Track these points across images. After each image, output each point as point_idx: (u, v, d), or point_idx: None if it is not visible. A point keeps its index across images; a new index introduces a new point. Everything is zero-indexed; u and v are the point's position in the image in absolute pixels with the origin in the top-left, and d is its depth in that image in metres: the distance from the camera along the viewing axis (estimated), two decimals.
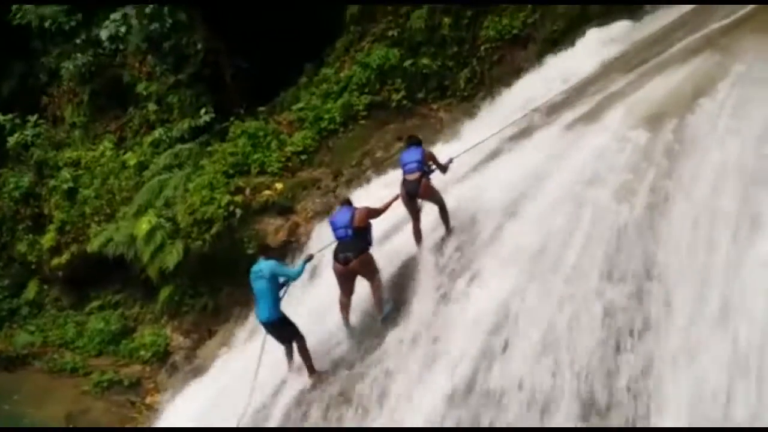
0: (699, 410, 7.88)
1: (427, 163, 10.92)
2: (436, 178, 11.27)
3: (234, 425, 10.74)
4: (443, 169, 11.23)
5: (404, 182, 10.81)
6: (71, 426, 14.99)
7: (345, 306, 10.63)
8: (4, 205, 20.04)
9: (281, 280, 10.44)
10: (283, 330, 10.42)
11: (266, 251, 10.67)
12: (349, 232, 10.21)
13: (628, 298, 8.89)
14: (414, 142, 11.33)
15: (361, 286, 10.64)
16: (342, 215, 10.40)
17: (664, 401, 8.16)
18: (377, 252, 10.81)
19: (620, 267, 9.16)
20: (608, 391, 8.43)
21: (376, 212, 10.69)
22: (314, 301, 11.73)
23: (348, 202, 10.70)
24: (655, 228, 9.35)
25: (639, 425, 8.19)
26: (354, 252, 10.16)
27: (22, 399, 15.95)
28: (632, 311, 8.80)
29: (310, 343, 10.72)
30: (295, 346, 10.62)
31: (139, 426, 14.67)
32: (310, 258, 10.94)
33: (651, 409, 8.20)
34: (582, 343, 8.79)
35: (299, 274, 10.55)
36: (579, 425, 8.40)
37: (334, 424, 9.96)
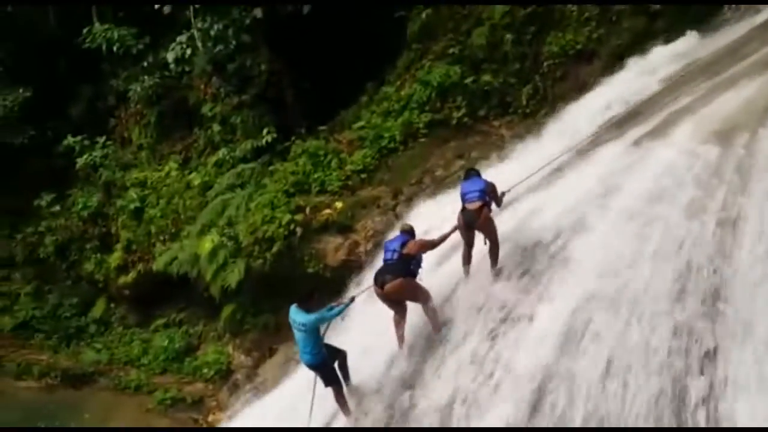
0: None
1: (489, 194, 10.68)
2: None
3: None
4: (499, 202, 11.00)
5: (463, 211, 10.56)
6: None
7: (398, 323, 10.48)
8: (72, 224, 20.51)
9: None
10: (323, 372, 10.38)
11: (302, 299, 10.22)
12: (395, 256, 10.10)
13: (698, 319, 8.61)
14: (474, 173, 11.13)
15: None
16: (395, 240, 10.30)
17: (735, 426, 7.87)
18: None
19: (690, 287, 8.87)
20: (677, 416, 8.15)
21: (430, 245, 10.45)
22: (371, 322, 11.58)
23: (408, 231, 10.48)
24: (726, 246, 9.05)
25: None
26: (391, 275, 10.00)
27: (88, 416, 16.16)
28: (703, 333, 8.51)
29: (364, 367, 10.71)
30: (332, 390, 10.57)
31: None
32: (352, 300, 10.78)
33: None
34: (651, 365, 8.51)
35: (339, 313, 10.39)
36: None
37: None
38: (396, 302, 10.29)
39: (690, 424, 8.07)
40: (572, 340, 9.13)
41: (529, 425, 8.75)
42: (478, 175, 11.06)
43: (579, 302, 9.35)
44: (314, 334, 10.07)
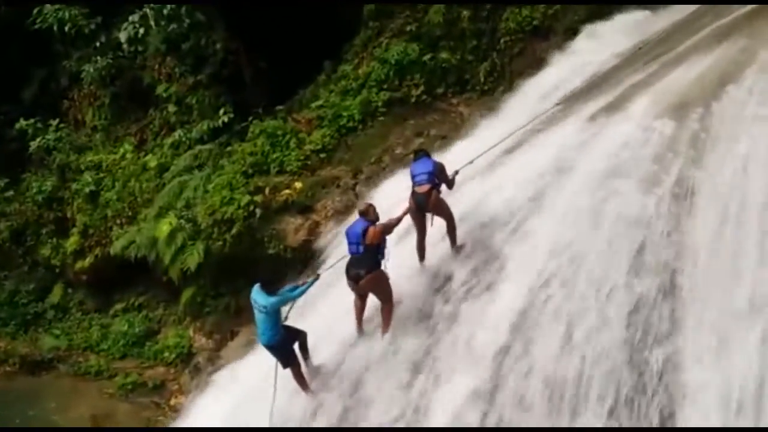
0: (728, 405, 7.74)
1: (438, 176, 10.62)
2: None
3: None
4: (450, 183, 10.90)
5: (413, 194, 10.53)
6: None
7: (359, 309, 10.52)
8: (27, 209, 20.10)
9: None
10: (282, 353, 10.33)
11: (266, 282, 10.20)
12: (360, 249, 10.04)
13: (655, 292, 8.72)
14: (423, 154, 11.08)
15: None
16: (356, 228, 10.17)
17: (693, 396, 8.00)
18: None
19: (647, 260, 8.98)
20: (636, 387, 8.27)
21: (389, 227, 10.35)
22: (330, 308, 11.56)
23: (365, 213, 10.28)
24: (681, 219, 9.16)
25: (667, 421, 8.05)
26: (365, 269, 10.00)
27: (49, 403, 15.95)
28: (660, 305, 8.62)
29: (318, 357, 10.74)
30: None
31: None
32: (317, 278, 10.74)
33: (679, 404, 8.06)
34: (608, 339, 8.62)
35: (302, 293, 10.36)
36: (607, 422, 8.26)
37: None
38: (365, 295, 10.35)
39: (648, 396, 8.21)
40: (531, 315, 9.23)
41: (492, 399, 8.85)
42: (428, 155, 11.01)
43: (537, 278, 9.45)
44: (275, 315, 10.04)
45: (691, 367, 8.19)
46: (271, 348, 10.27)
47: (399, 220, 10.53)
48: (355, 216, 10.86)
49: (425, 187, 10.40)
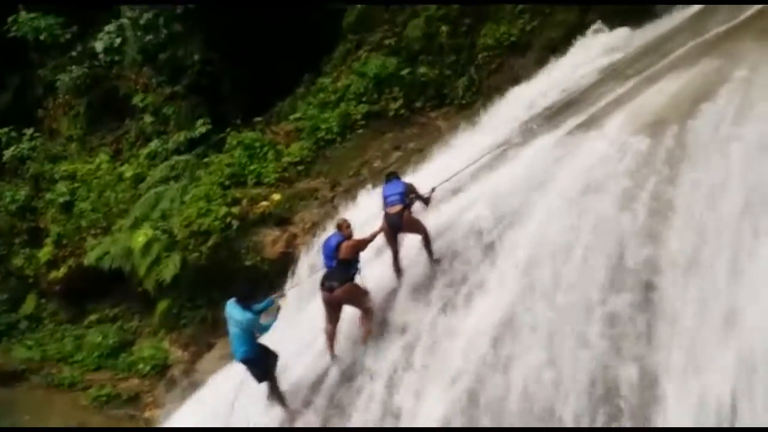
0: (704, 421, 7.79)
1: (409, 196, 10.75)
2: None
3: None
4: (426, 201, 11.06)
5: (386, 216, 10.64)
6: None
7: (330, 335, 10.53)
8: (0, 218, 19.90)
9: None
10: (257, 369, 10.27)
11: (243, 296, 10.09)
12: (333, 263, 10.16)
13: (630, 307, 8.78)
14: (394, 176, 11.26)
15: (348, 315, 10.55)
16: (330, 242, 10.28)
17: (668, 413, 8.05)
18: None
19: (622, 276, 9.05)
20: (611, 403, 8.31)
21: (362, 244, 10.42)
22: (303, 328, 11.55)
23: (340, 227, 10.40)
24: (657, 236, 9.25)
25: None
26: (339, 281, 10.10)
27: (22, 415, 15.73)
28: (635, 321, 8.68)
29: (295, 372, 10.69)
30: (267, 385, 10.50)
31: None
32: (281, 295, 10.75)
33: (654, 421, 8.10)
34: (584, 354, 8.67)
35: (270, 326, 10.22)
36: None
37: None
38: (338, 307, 10.34)
39: (624, 410, 8.26)
40: (508, 330, 9.27)
41: (468, 417, 8.86)
42: (398, 177, 11.20)
43: (514, 293, 9.50)
44: (249, 331, 9.97)
45: (666, 383, 8.21)
46: (247, 362, 10.19)
47: (373, 236, 10.59)
48: (332, 228, 10.91)
49: (397, 208, 10.56)
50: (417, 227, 10.77)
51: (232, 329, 10.06)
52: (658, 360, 8.33)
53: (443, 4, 16.15)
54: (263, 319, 10.23)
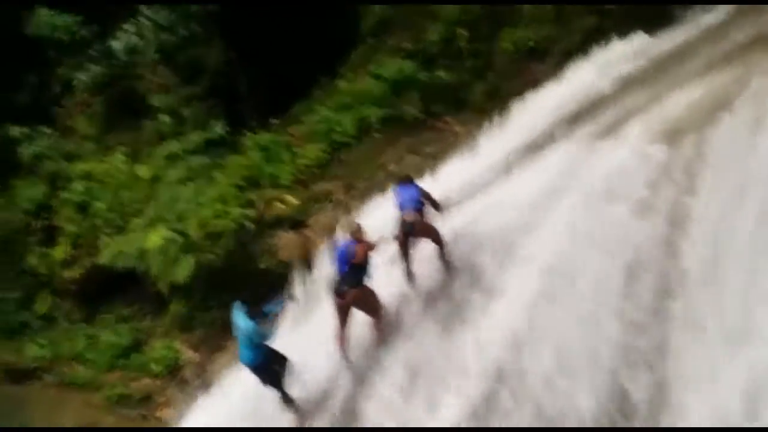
0: None
1: (424, 201, 10.67)
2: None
3: None
4: (439, 207, 10.96)
5: (402, 222, 10.54)
6: None
7: (341, 339, 10.48)
8: (15, 217, 19.95)
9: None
10: (262, 374, 10.24)
11: (249, 303, 10.12)
12: (346, 267, 10.07)
13: (647, 317, 8.72)
14: (409, 180, 11.06)
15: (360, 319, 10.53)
16: (343, 247, 10.20)
17: (682, 424, 7.98)
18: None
19: (640, 285, 8.98)
20: (625, 413, 8.25)
21: (374, 247, 10.31)
22: (314, 332, 11.51)
23: (355, 233, 10.29)
24: (674, 246, 9.18)
25: None
26: (351, 285, 10.06)
27: (33, 413, 15.77)
28: (652, 331, 8.61)
29: (307, 377, 10.69)
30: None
31: None
32: (290, 298, 10.73)
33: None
34: (600, 362, 8.61)
35: (272, 333, 10.28)
36: None
37: None
38: (349, 311, 10.30)
39: (637, 420, 8.19)
40: (523, 337, 9.22)
41: (481, 423, 8.81)
42: (412, 181, 11.01)
43: (530, 300, 9.46)
44: (251, 337, 9.92)
45: (680, 393, 8.15)
46: (251, 368, 10.16)
47: (384, 242, 10.50)
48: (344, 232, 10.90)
49: (413, 215, 10.44)
50: (431, 233, 10.70)
51: (236, 332, 10.04)
52: (674, 370, 8.28)
53: (464, 4, 16.07)
54: (267, 325, 10.24)
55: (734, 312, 8.23)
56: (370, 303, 10.31)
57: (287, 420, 10.54)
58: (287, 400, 10.40)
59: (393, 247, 10.74)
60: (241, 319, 9.88)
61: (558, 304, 9.32)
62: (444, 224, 11.32)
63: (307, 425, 10.40)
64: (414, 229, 10.46)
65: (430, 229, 10.67)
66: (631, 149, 10.54)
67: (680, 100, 11.17)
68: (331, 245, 10.72)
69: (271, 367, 10.19)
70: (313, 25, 17.37)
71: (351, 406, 10.01)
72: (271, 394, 10.53)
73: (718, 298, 8.45)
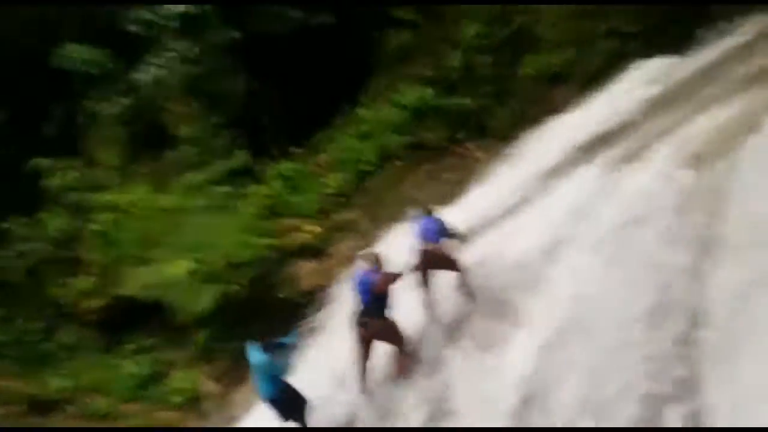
0: None
1: (445, 232, 10.61)
2: None
3: None
4: (462, 237, 10.88)
5: (421, 252, 10.50)
6: None
7: (363, 372, 10.26)
8: (40, 247, 20.09)
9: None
10: (279, 409, 9.95)
11: (263, 338, 9.96)
12: (367, 298, 9.86)
13: (674, 347, 8.47)
14: (431, 212, 11.01)
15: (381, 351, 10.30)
16: (364, 278, 9.94)
17: None
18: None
19: (667, 313, 8.74)
20: None
21: (395, 279, 10.06)
22: (334, 364, 11.29)
23: (374, 261, 10.07)
24: (702, 272, 8.94)
25: None
26: (374, 317, 9.85)
27: None
28: (680, 360, 8.36)
29: (327, 411, 10.44)
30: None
31: None
32: (306, 327, 10.57)
33: None
34: (627, 394, 8.35)
35: (287, 365, 10.01)
36: None
37: None
38: (371, 344, 10.09)
39: None
40: (547, 367, 8.99)
41: None
42: (432, 215, 10.93)
43: (553, 330, 9.23)
44: (265, 372, 9.74)
45: (712, 424, 7.87)
46: (269, 402, 9.94)
47: (406, 274, 10.30)
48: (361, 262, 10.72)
49: (432, 245, 10.40)
50: (449, 264, 10.57)
51: (253, 371, 9.93)
52: (704, 402, 8.01)
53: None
54: (283, 358, 10.08)
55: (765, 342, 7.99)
56: (393, 334, 10.07)
57: None
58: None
59: (413, 277, 10.56)
60: (254, 355, 9.71)
61: (584, 333, 9.09)
62: (467, 252, 11.17)
63: None
64: (432, 260, 10.33)
65: (448, 260, 10.53)
66: (657, 173, 10.34)
67: (706, 124, 10.97)
68: (353, 275, 10.46)
69: (289, 402, 9.97)
70: (334, 54, 17.40)
71: None
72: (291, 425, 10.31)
73: (751, 327, 8.20)
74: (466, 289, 10.62)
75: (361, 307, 9.97)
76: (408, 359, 10.17)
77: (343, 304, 12.26)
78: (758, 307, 8.26)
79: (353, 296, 10.12)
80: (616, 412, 8.31)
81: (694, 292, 8.80)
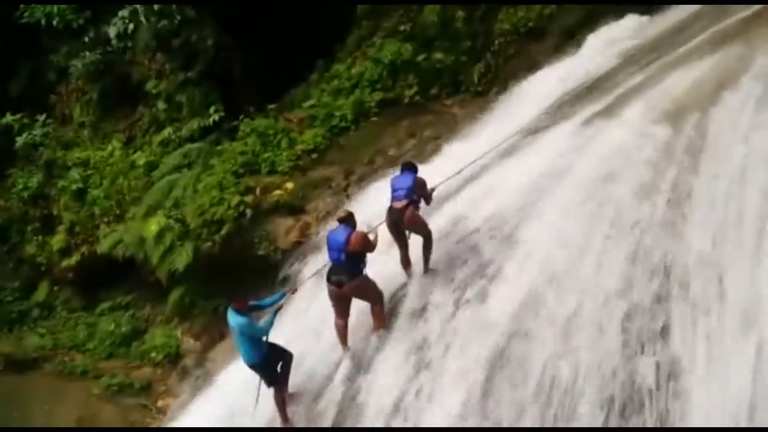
0: (723, 415, 7.66)
1: (417, 192, 10.37)
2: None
3: None
4: (428, 199, 10.67)
5: (390, 210, 10.34)
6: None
7: (341, 329, 10.26)
8: (13, 206, 19.86)
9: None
10: (264, 372, 10.02)
11: (234, 300, 9.80)
12: (342, 256, 9.75)
13: (649, 300, 8.64)
14: (409, 167, 10.71)
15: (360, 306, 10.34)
16: (338, 235, 9.84)
17: (688, 406, 7.92)
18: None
19: (642, 268, 8.90)
20: (629, 396, 8.18)
21: (370, 245, 10.01)
22: (314, 320, 11.34)
23: (347, 220, 9.96)
24: (677, 226, 9.10)
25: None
26: (347, 275, 9.78)
27: (33, 404, 15.71)
28: (654, 313, 8.55)
29: (307, 366, 10.53)
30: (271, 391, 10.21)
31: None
32: (293, 291, 10.55)
33: (673, 414, 7.97)
34: (602, 345, 8.52)
35: (270, 326, 9.95)
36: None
37: None
38: (347, 301, 10.10)
39: (642, 404, 8.12)
40: (524, 324, 9.12)
41: (482, 409, 8.72)
42: (412, 170, 10.64)
43: (531, 285, 9.34)
44: (246, 335, 9.71)
45: (685, 376, 8.09)
46: (253, 367, 9.97)
47: (376, 240, 10.23)
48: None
49: (402, 203, 10.21)
50: (420, 227, 10.40)
51: (234, 335, 9.91)
52: (678, 354, 8.21)
53: None
54: (264, 317, 10.11)
55: (739, 294, 8.18)
56: (370, 292, 10.10)
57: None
58: (282, 406, 10.18)
59: (388, 235, 10.57)
60: (231, 318, 9.71)
61: (560, 287, 9.21)
62: (444, 209, 11.22)
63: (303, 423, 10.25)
64: (401, 219, 10.22)
65: (418, 220, 10.36)
66: (632, 130, 10.45)
67: (682, 79, 11.08)
68: (327, 234, 10.42)
69: (272, 365, 10.03)
70: (309, 8, 17.18)
71: (352, 395, 9.88)
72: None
73: (723, 281, 8.40)
74: (427, 259, 10.54)
75: (334, 264, 9.94)
76: (383, 313, 10.22)
77: (319, 261, 12.32)
78: (731, 261, 8.46)
79: (327, 254, 10.11)
80: (593, 366, 8.45)
81: (668, 247, 8.95)
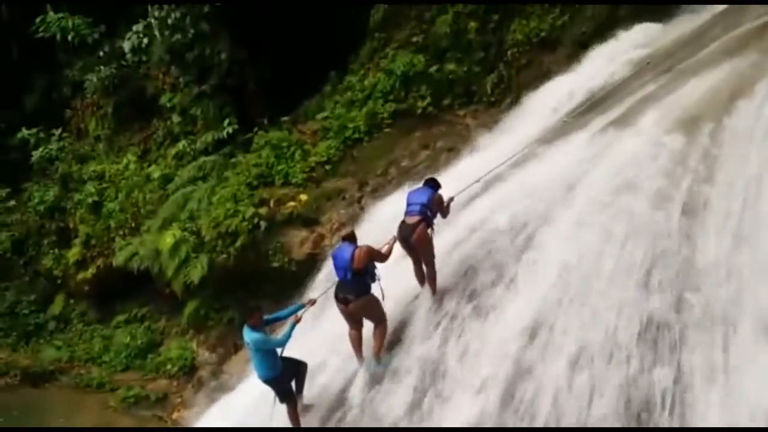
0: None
1: (432, 209, 10.26)
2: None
3: None
4: (444, 212, 10.55)
5: (402, 224, 10.22)
6: None
7: (355, 340, 10.18)
8: (29, 219, 20.06)
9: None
10: (279, 388, 10.00)
11: (248, 316, 9.81)
12: (348, 275, 9.71)
13: (665, 309, 8.58)
14: (430, 183, 10.60)
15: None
16: (343, 253, 9.82)
17: (701, 417, 7.85)
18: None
19: (657, 277, 8.85)
20: (645, 406, 8.12)
21: (378, 255, 9.99)
22: (330, 331, 11.25)
23: (350, 238, 9.98)
24: (692, 236, 9.04)
25: None
26: (354, 294, 9.74)
27: (50, 416, 15.76)
28: (670, 324, 8.47)
29: (323, 377, 10.54)
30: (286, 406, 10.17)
31: None
32: (312, 303, 10.48)
33: (690, 424, 7.91)
34: (617, 357, 8.47)
35: (287, 339, 9.92)
36: None
37: None
38: (357, 318, 10.07)
39: (656, 414, 8.06)
40: (540, 333, 9.07)
41: (499, 422, 8.67)
42: (432, 186, 10.53)
43: (545, 295, 9.29)
44: (262, 350, 9.72)
45: (700, 387, 8.01)
46: (267, 383, 9.97)
47: (389, 250, 10.21)
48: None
49: (414, 219, 10.11)
50: (425, 249, 10.25)
51: (249, 351, 9.94)
52: (694, 363, 8.13)
53: (471, 3, 15.95)
54: (279, 331, 10.10)
55: (756, 303, 8.11)
56: (374, 312, 9.99)
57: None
58: (295, 419, 10.17)
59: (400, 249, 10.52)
60: (246, 335, 9.71)
61: (576, 297, 9.15)
62: (460, 218, 11.17)
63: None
64: (410, 235, 10.09)
65: (425, 241, 10.19)
66: (646, 139, 10.40)
67: (696, 88, 11.02)
68: (333, 252, 10.35)
69: (288, 381, 10.02)
70: (321, 21, 17.26)
71: (367, 405, 9.86)
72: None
73: (739, 289, 8.33)
74: (432, 282, 10.42)
75: (341, 282, 9.90)
76: (384, 336, 10.06)
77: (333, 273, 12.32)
78: (746, 270, 8.40)
79: (334, 272, 10.08)
80: (606, 376, 8.39)
81: (684, 256, 8.89)
